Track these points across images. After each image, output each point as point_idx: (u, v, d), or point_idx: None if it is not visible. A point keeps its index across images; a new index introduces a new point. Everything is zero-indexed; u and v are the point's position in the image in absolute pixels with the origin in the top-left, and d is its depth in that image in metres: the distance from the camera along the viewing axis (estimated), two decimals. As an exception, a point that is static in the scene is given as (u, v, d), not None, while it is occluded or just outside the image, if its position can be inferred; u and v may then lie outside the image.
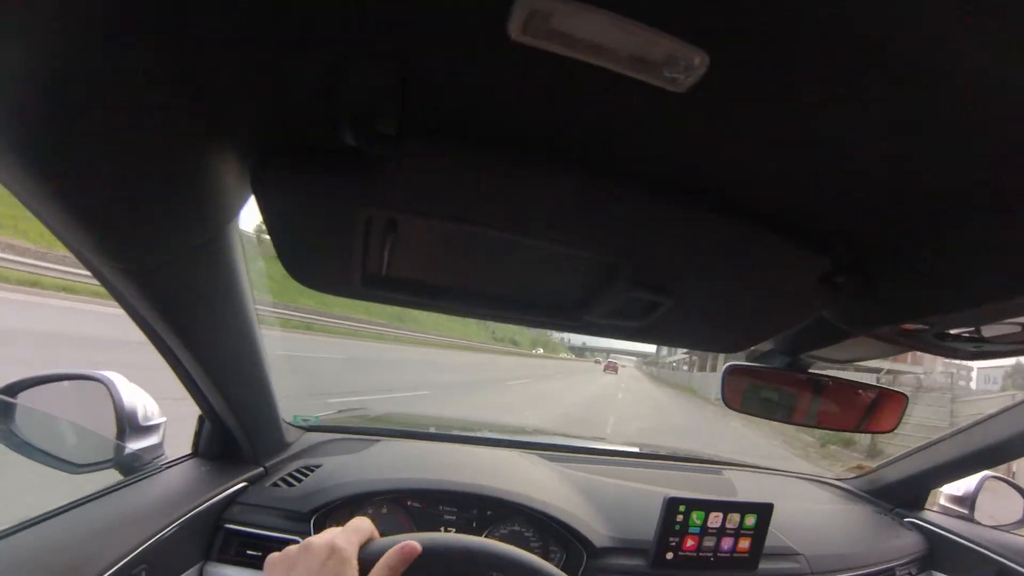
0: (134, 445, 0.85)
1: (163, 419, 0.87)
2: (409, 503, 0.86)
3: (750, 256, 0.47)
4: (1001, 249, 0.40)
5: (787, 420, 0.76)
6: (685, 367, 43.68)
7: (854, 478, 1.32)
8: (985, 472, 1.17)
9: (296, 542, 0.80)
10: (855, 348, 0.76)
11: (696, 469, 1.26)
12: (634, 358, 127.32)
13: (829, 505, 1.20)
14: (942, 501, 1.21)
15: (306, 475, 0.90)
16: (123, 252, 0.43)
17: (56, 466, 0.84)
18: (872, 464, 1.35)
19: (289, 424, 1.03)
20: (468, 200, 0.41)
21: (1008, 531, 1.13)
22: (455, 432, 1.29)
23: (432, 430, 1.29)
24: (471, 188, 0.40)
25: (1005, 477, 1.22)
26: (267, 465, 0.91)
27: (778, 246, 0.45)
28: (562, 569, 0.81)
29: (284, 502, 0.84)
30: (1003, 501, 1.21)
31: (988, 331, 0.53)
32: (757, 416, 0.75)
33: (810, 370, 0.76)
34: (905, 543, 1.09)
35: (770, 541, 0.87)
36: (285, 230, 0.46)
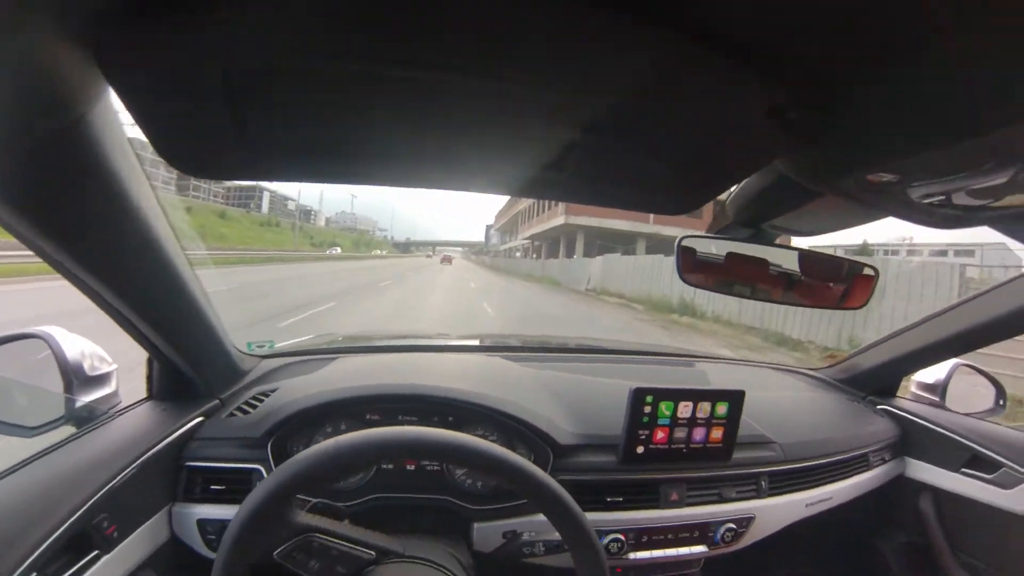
0: (86, 397, 0.82)
1: (113, 367, 0.84)
2: (368, 416, 0.84)
3: (694, 82, 0.40)
4: (967, 78, 0.35)
5: (749, 296, 0.74)
6: (519, 254, 42.25)
7: (827, 367, 1.34)
8: (956, 360, 1.19)
9: (256, 471, 0.80)
10: (821, 215, 0.73)
11: (666, 362, 1.27)
12: (459, 249, 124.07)
13: (803, 393, 1.21)
14: (914, 389, 1.23)
15: (262, 400, 0.87)
16: None
17: (9, 432, 0.81)
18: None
19: (244, 353, 1.00)
20: (353, 28, 0.35)
21: (980, 418, 1.15)
22: (414, 342, 1.27)
23: (391, 343, 1.27)
24: (354, 14, 0.35)
25: (975, 365, 1.24)
26: (222, 397, 0.89)
27: (723, 71, 0.39)
28: None
29: (241, 430, 0.82)
30: (974, 388, 1.24)
31: (962, 187, 0.49)
32: (717, 292, 0.73)
33: (776, 241, 0.73)
34: (878, 429, 1.11)
35: (743, 430, 0.88)
36: (148, 110, 0.41)
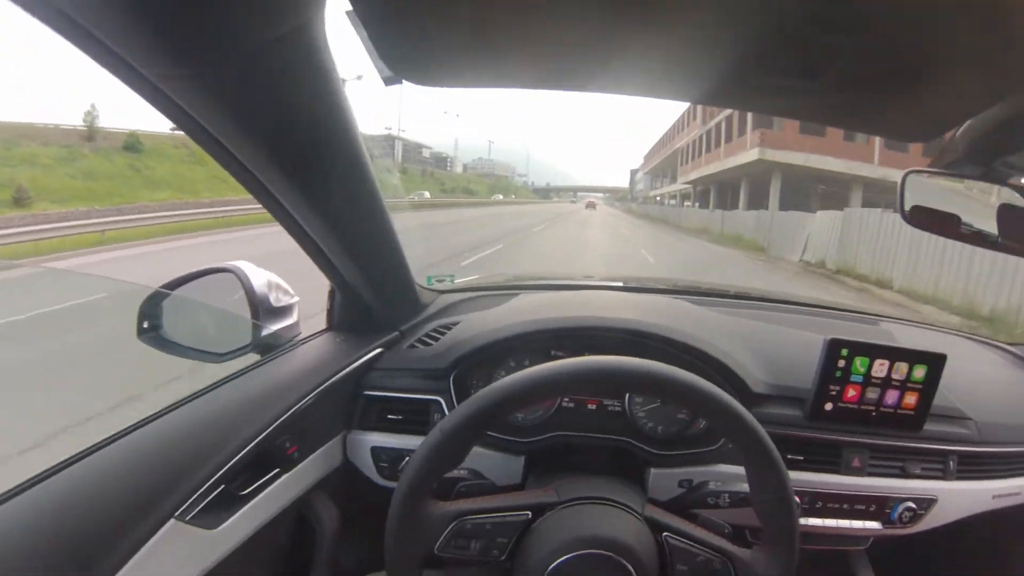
0: (271, 327, 0.89)
1: (295, 299, 0.90)
2: (553, 352, 0.83)
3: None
4: None
5: (972, 241, 0.65)
6: (672, 201, 37.57)
7: None
8: None
9: (436, 402, 0.82)
10: None
11: (851, 319, 1.16)
12: (600, 195, 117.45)
13: (1002, 370, 1.06)
14: None
15: (443, 333, 0.89)
16: (196, 51, 0.38)
17: (202, 358, 0.90)
18: None
19: (423, 287, 1.02)
20: None
21: None
22: (592, 283, 1.24)
23: (569, 282, 1.23)
24: None
25: None
26: (403, 329, 0.91)
27: None
28: None
29: (422, 362, 0.84)
30: None
31: None
32: (936, 233, 0.65)
33: (1009, 182, 0.64)
34: None
35: (937, 400, 0.78)
36: (378, 19, 0.42)
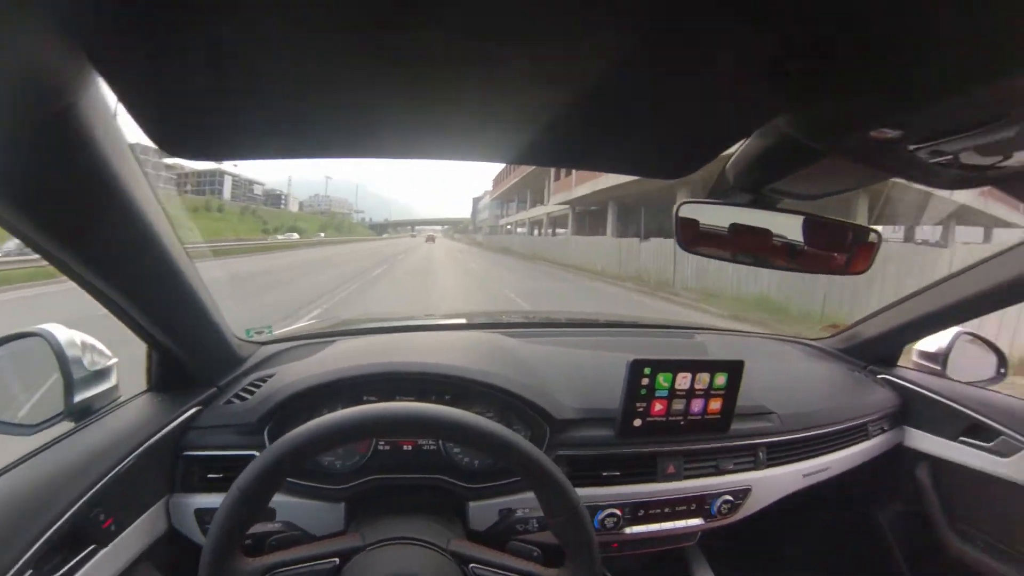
0: (87, 392, 0.82)
1: (113, 360, 0.84)
2: (365, 397, 0.84)
3: (687, 37, 0.38)
4: (973, 19, 0.33)
5: (751, 262, 0.74)
6: (524, 230, 34.22)
7: (828, 337, 1.33)
8: (958, 328, 1.18)
9: (253, 456, 0.79)
10: (823, 178, 0.71)
11: (665, 335, 1.27)
12: (439, 228, 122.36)
13: (802, 364, 1.21)
14: (915, 358, 1.23)
15: (259, 386, 0.87)
16: None
17: (10, 432, 0.81)
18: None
19: (242, 340, 1.00)
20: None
21: (981, 387, 1.15)
22: (412, 323, 1.27)
23: (390, 324, 1.27)
24: None
25: (977, 333, 1.23)
26: (220, 384, 0.88)
27: (716, 21, 0.36)
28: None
29: (238, 417, 0.82)
30: (976, 357, 1.23)
31: (969, 144, 0.46)
32: (717, 259, 0.73)
33: (778, 207, 0.72)
34: (878, 399, 1.11)
35: (742, 401, 0.88)
36: (137, 93, 0.41)
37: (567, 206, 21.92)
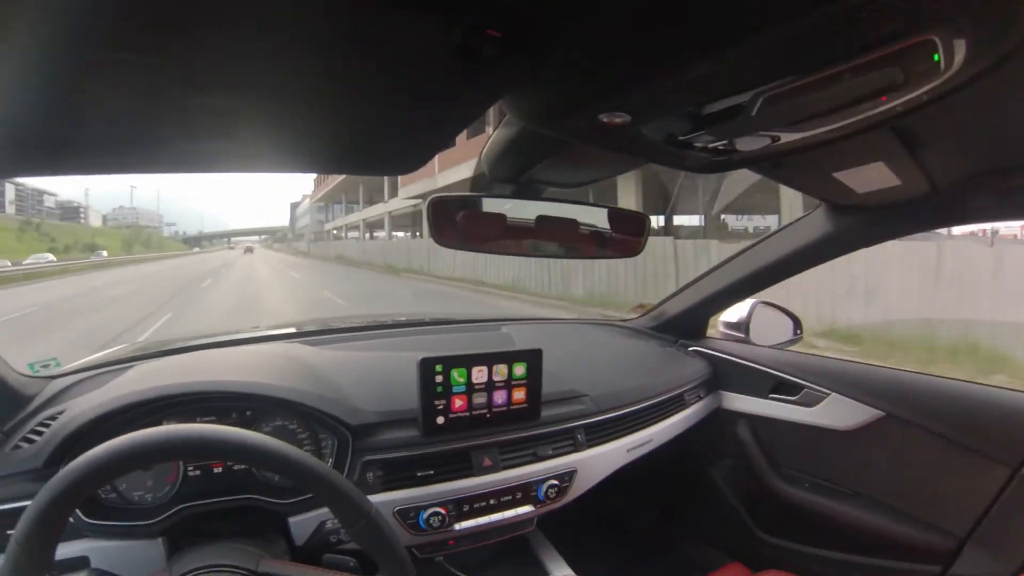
0: None
1: None
2: (164, 421, 0.76)
3: (365, 26, 0.35)
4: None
5: (516, 252, 0.74)
6: (355, 234, 30.52)
7: (637, 317, 1.44)
8: (754, 299, 1.34)
9: None
10: (580, 165, 0.73)
11: (471, 329, 1.27)
12: (256, 238, 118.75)
13: (615, 344, 1.29)
14: (721, 328, 1.37)
15: (48, 425, 0.75)
16: None
17: None
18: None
19: (27, 376, 0.87)
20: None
21: (780, 348, 1.31)
22: (211, 340, 1.17)
23: (189, 343, 1.16)
24: None
25: (772, 301, 1.42)
26: (5, 429, 0.76)
27: (393, 13, 0.34)
28: (336, 453, 0.78)
29: (27, 463, 0.70)
30: (774, 322, 1.42)
31: (695, 126, 0.48)
32: (480, 252, 0.72)
33: (543, 196, 0.73)
34: (691, 370, 1.21)
35: (552, 387, 0.89)
36: None
37: (418, 200, 16.64)
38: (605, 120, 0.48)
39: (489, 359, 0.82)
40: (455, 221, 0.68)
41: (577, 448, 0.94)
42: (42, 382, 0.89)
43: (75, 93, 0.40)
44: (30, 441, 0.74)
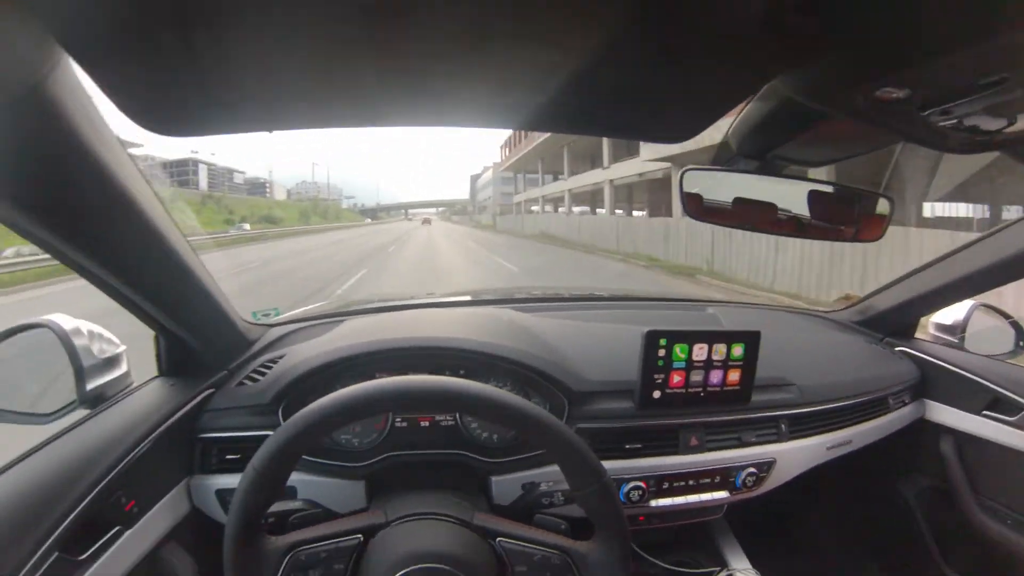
0: (98, 380, 0.82)
1: (121, 348, 0.83)
2: (377, 373, 0.83)
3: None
4: None
5: (758, 228, 0.72)
6: (566, 210, 23.71)
7: (842, 309, 1.31)
8: (974, 300, 1.16)
9: (268, 436, 0.80)
10: (829, 143, 0.70)
11: (677, 307, 1.25)
12: (433, 210, 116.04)
13: (819, 336, 1.19)
14: (932, 330, 1.20)
15: (270, 368, 0.87)
16: None
17: (27, 422, 0.81)
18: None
19: (250, 323, 1.00)
20: None
21: (1000, 359, 1.12)
22: (425, 301, 1.25)
23: (400, 303, 1.25)
24: None
25: (994, 305, 1.21)
26: (231, 367, 0.88)
27: None
28: None
29: (251, 398, 0.81)
30: (994, 330, 1.21)
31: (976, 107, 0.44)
32: (723, 225, 0.71)
33: (784, 173, 0.71)
34: (897, 371, 1.09)
35: (761, 373, 0.86)
36: (104, 67, 0.40)
37: (664, 165, 12.93)
38: (880, 96, 0.45)
39: (710, 337, 0.81)
40: (702, 194, 0.68)
41: (779, 438, 0.90)
42: (262, 329, 1.03)
43: (325, 59, 0.41)
44: (253, 380, 0.86)
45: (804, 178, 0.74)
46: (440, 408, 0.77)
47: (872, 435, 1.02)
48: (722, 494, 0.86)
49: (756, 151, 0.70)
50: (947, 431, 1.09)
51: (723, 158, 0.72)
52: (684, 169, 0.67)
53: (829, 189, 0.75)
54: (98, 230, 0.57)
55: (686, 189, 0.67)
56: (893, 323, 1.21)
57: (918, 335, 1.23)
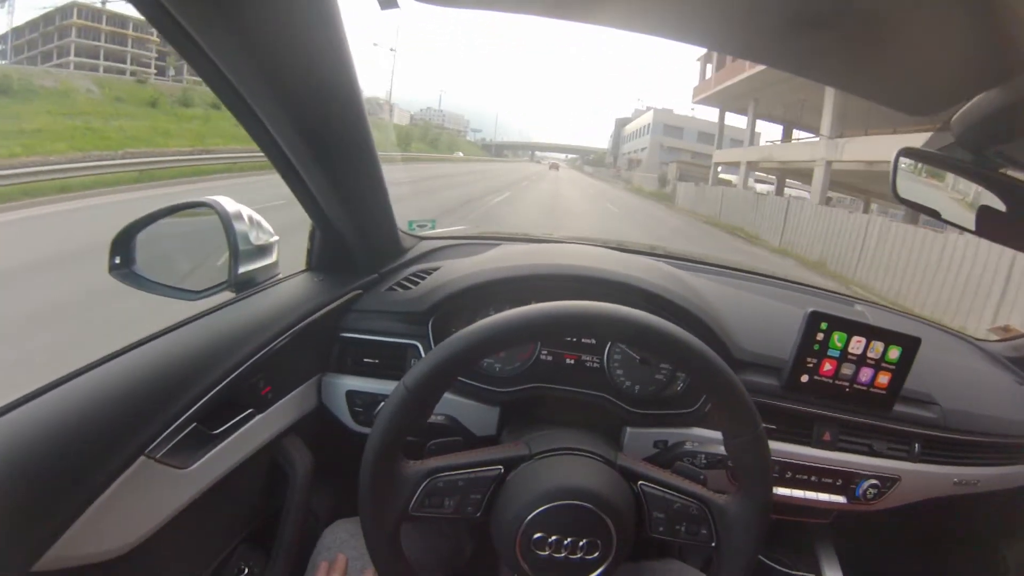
0: (249, 266, 0.86)
1: (275, 237, 0.87)
2: (534, 301, 0.82)
3: None
4: None
5: (962, 225, 0.65)
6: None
7: (996, 341, 1.20)
8: None
9: (413, 347, 0.80)
10: None
11: (828, 297, 1.17)
12: (563, 156, 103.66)
13: (968, 361, 1.09)
14: None
15: (423, 278, 0.87)
16: None
17: (177, 296, 0.86)
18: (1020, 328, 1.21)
19: (404, 232, 1.00)
20: None
21: None
22: (579, 238, 1.20)
23: (556, 237, 1.21)
24: None
25: None
26: (383, 271, 0.89)
27: None
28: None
29: (400, 305, 0.82)
30: None
31: None
32: (926, 214, 0.65)
33: (1000, 172, 0.64)
34: None
35: (906, 383, 0.80)
36: None
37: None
38: None
39: (871, 332, 0.76)
40: (920, 177, 0.62)
41: (910, 458, 0.84)
42: (415, 239, 1.02)
43: None
44: (404, 287, 0.85)
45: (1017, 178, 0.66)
46: (614, 335, 0.70)
47: (1000, 483, 0.93)
48: (839, 499, 0.82)
49: (976, 143, 0.62)
50: None
51: (937, 143, 0.66)
52: (901, 149, 0.61)
53: None
54: (311, 114, 0.58)
55: (900, 172, 0.61)
56: None
57: None
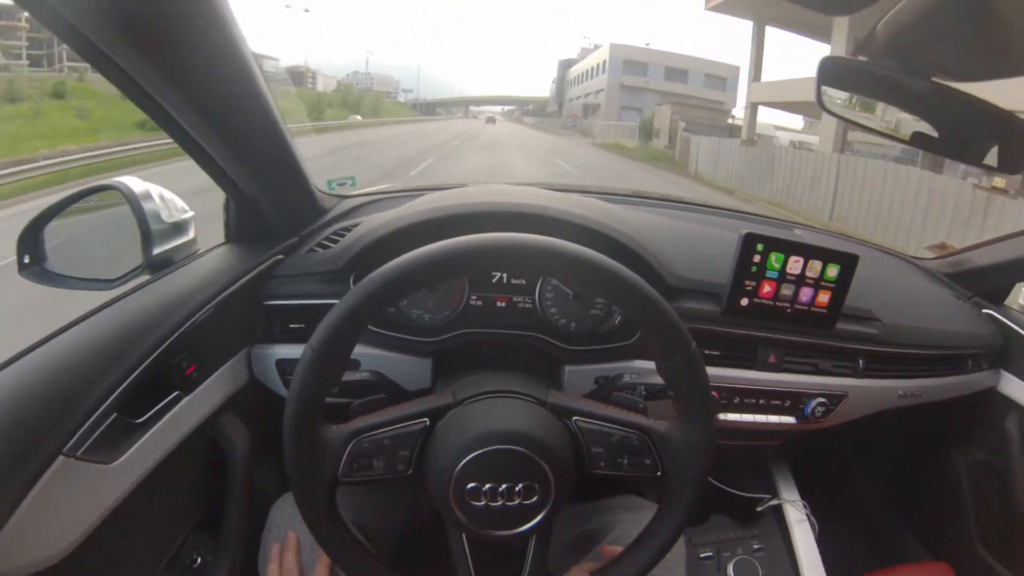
0: (164, 246, 0.80)
1: (190, 213, 0.82)
2: None
3: None
4: None
5: (890, 135, 0.65)
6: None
7: (932, 258, 1.23)
8: None
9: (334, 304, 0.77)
10: (993, 55, 0.61)
11: (765, 222, 1.18)
12: (499, 108, 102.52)
13: (907, 279, 1.12)
14: (1023, 301, 1.12)
15: (343, 235, 0.83)
16: None
17: (92, 287, 0.80)
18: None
19: (324, 192, 0.96)
20: None
21: None
22: (511, 182, 1.19)
23: (483, 183, 1.18)
24: None
25: None
26: (302, 234, 0.86)
27: None
28: None
29: (321, 265, 0.79)
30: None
31: None
32: (853, 125, 0.64)
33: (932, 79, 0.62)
34: (980, 334, 1.01)
35: (848, 301, 0.81)
36: None
37: None
38: None
39: (808, 251, 0.75)
40: (837, 88, 0.61)
41: (855, 374, 0.86)
42: (335, 199, 0.98)
43: None
44: (324, 247, 0.82)
45: (953, 88, 0.65)
46: (530, 269, 0.69)
47: (942, 393, 0.97)
48: (789, 419, 0.83)
49: (903, 50, 0.61)
50: (1017, 407, 1.02)
51: (866, 49, 0.64)
52: (825, 57, 0.59)
53: (981, 106, 0.66)
54: (200, 83, 0.55)
55: (823, 80, 0.60)
56: (985, 283, 1.12)
57: (1009, 302, 1.14)
